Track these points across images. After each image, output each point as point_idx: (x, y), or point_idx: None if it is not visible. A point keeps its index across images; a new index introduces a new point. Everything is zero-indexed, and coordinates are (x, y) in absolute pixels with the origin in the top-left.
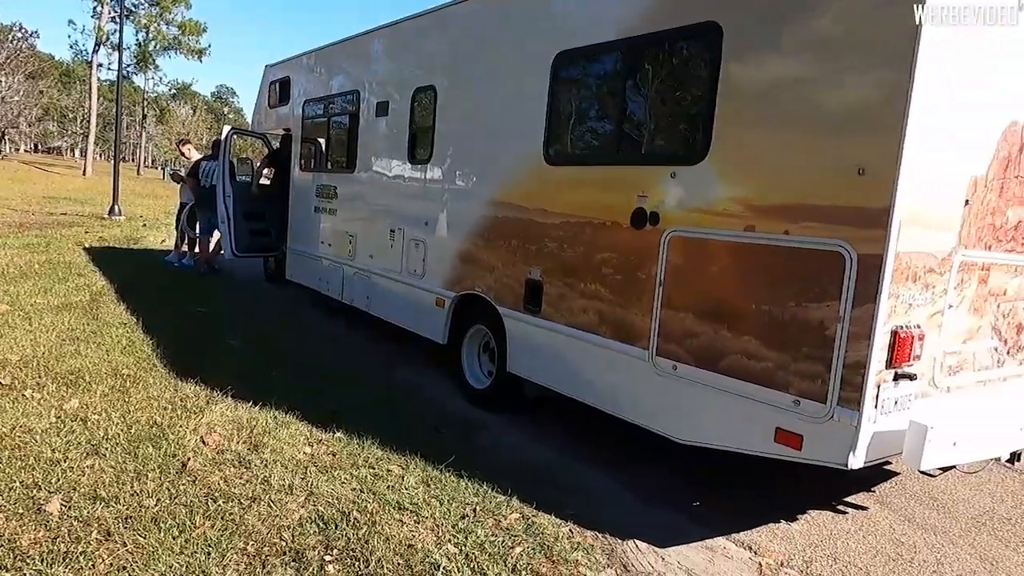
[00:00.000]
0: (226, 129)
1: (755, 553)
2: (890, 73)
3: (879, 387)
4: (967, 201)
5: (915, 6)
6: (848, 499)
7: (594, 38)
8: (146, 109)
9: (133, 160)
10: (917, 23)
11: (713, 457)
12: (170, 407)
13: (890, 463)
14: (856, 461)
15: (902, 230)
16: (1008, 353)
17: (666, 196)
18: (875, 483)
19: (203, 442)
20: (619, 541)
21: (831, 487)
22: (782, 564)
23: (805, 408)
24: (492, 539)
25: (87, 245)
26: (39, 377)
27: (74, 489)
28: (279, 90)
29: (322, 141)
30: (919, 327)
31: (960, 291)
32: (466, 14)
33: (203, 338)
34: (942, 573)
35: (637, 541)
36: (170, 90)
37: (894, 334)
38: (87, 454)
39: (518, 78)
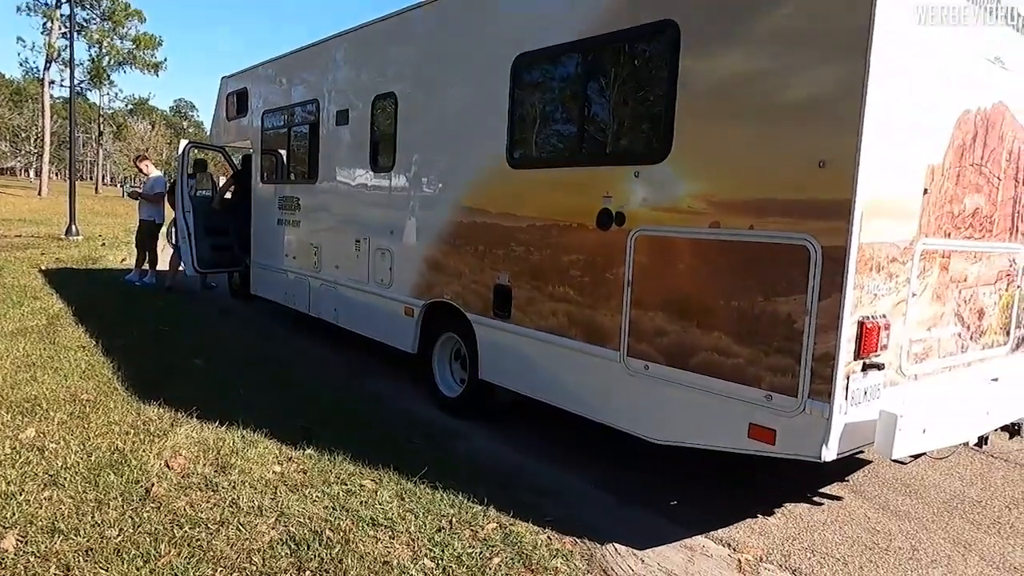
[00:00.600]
0: (183, 143)
1: (734, 550)
2: (846, 65)
3: (848, 378)
4: (926, 190)
5: None
6: (824, 490)
7: (553, 39)
8: (103, 126)
9: (91, 178)
10: (871, 14)
11: (689, 456)
12: (132, 431)
13: (862, 451)
14: (829, 453)
15: (864, 221)
16: (971, 338)
17: (631, 196)
18: (849, 472)
19: (167, 466)
20: (598, 545)
21: (807, 479)
22: (761, 559)
23: (777, 402)
24: (470, 551)
25: (43, 267)
26: None
27: (31, 523)
28: (237, 101)
29: (283, 152)
30: (885, 317)
31: (923, 279)
32: (424, 18)
33: (167, 358)
34: (918, 559)
35: (616, 544)
36: (127, 106)
37: (861, 325)
38: (44, 485)
39: (479, 82)
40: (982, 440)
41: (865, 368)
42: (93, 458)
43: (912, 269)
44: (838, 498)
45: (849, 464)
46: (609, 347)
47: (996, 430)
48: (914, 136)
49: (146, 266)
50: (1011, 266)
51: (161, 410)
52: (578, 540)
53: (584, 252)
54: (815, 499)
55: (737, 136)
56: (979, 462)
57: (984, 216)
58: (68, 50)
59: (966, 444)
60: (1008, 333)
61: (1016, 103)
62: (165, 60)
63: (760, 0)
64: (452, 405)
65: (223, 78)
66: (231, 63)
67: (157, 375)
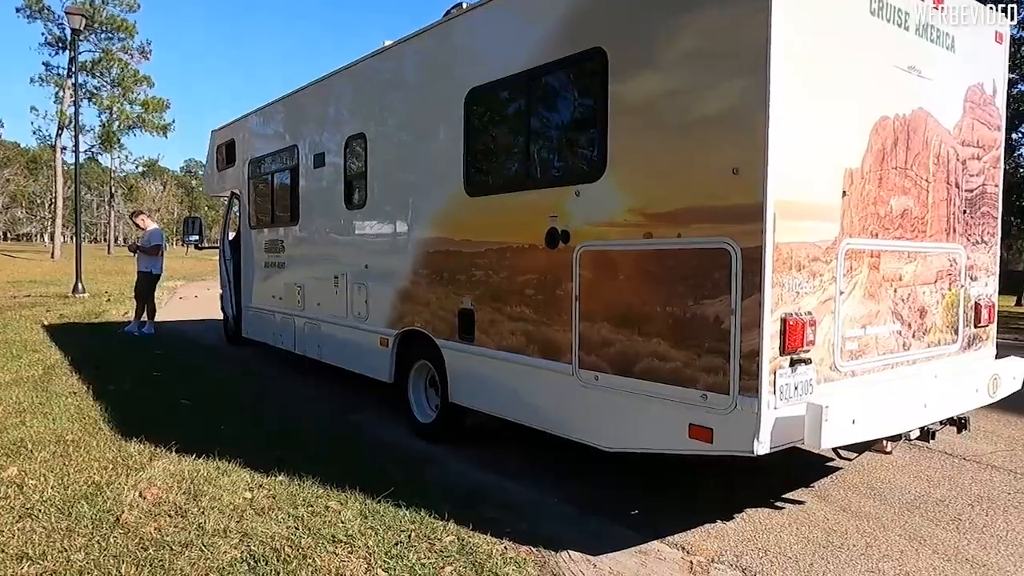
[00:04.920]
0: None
1: (687, 552)
2: (748, 77)
3: (775, 373)
4: (845, 192)
5: (765, 10)
6: (787, 495)
7: (499, 73)
8: (114, 188)
9: (104, 240)
10: (767, 29)
11: (657, 467)
12: (111, 466)
13: (833, 460)
14: (761, 447)
15: (777, 222)
16: (913, 336)
17: (574, 214)
18: (815, 479)
19: (141, 496)
20: (552, 553)
21: (769, 486)
22: (713, 560)
23: (712, 401)
24: (423, 562)
25: (46, 323)
26: None
27: (1, 551)
28: (225, 152)
29: (267, 197)
30: (810, 314)
31: (851, 278)
32: (388, 61)
33: (155, 400)
34: (869, 555)
35: (571, 552)
36: (137, 168)
37: (784, 321)
38: (19, 517)
39: (438, 117)
40: (925, 433)
41: (793, 364)
42: (69, 491)
43: (837, 268)
44: (800, 502)
45: (815, 470)
46: (563, 361)
47: (941, 425)
48: (824, 141)
49: (145, 317)
50: (952, 266)
51: (142, 446)
52: (533, 549)
53: (536, 271)
54: (777, 504)
55: (663, 151)
56: (949, 465)
57: (915, 217)
58: (74, 113)
59: (906, 437)
60: (956, 332)
61: (938, 110)
62: (173, 122)
63: (673, 24)
64: (427, 431)
65: (212, 131)
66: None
67: (144, 415)
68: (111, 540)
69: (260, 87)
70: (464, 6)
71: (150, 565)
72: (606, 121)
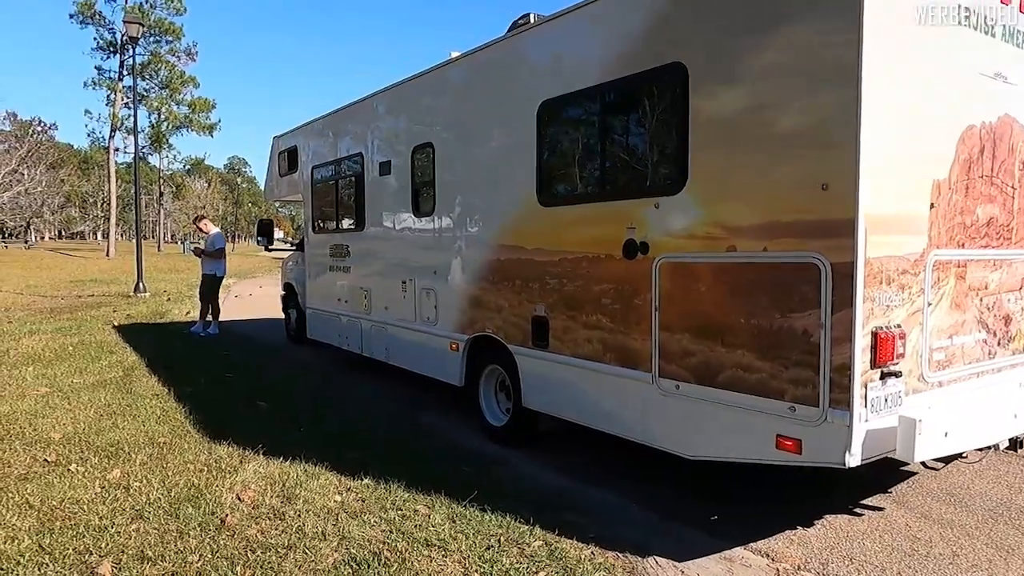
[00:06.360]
0: None
1: (772, 560)
2: (839, 91)
3: (867, 386)
4: (932, 204)
5: (856, 25)
6: (865, 501)
7: (573, 86)
8: (163, 187)
9: (153, 237)
10: (859, 40)
11: (730, 472)
12: (206, 469)
13: (908, 464)
14: (853, 460)
15: (869, 237)
16: (999, 344)
17: (653, 226)
18: (892, 484)
19: (239, 499)
20: (639, 559)
21: (848, 492)
22: (799, 568)
23: (800, 413)
24: (517, 567)
25: (116, 323)
26: (82, 451)
27: (123, 552)
28: (288, 159)
29: (332, 203)
30: (899, 327)
31: (938, 289)
32: (456, 73)
33: (233, 402)
34: (957, 564)
35: (657, 557)
36: (185, 167)
37: (875, 335)
38: (132, 519)
39: (508, 128)
40: (1015, 443)
41: (883, 376)
42: (172, 493)
43: (925, 280)
44: (879, 509)
45: (892, 475)
46: (641, 369)
47: None
48: (914, 154)
49: (209, 317)
50: None
51: (230, 448)
52: (620, 555)
53: (613, 281)
54: (856, 510)
55: (746, 165)
56: None
57: (1001, 225)
58: (131, 119)
59: (996, 447)
60: None
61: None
62: (219, 121)
63: (756, 38)
64: (499, 434)
65: (274, 137)
66: (282, 118)
67: (225, 417)
68: (220, 542)
69: (301, 85)
70: (532, 18)
71: (260, 567)
72: (686, 135)
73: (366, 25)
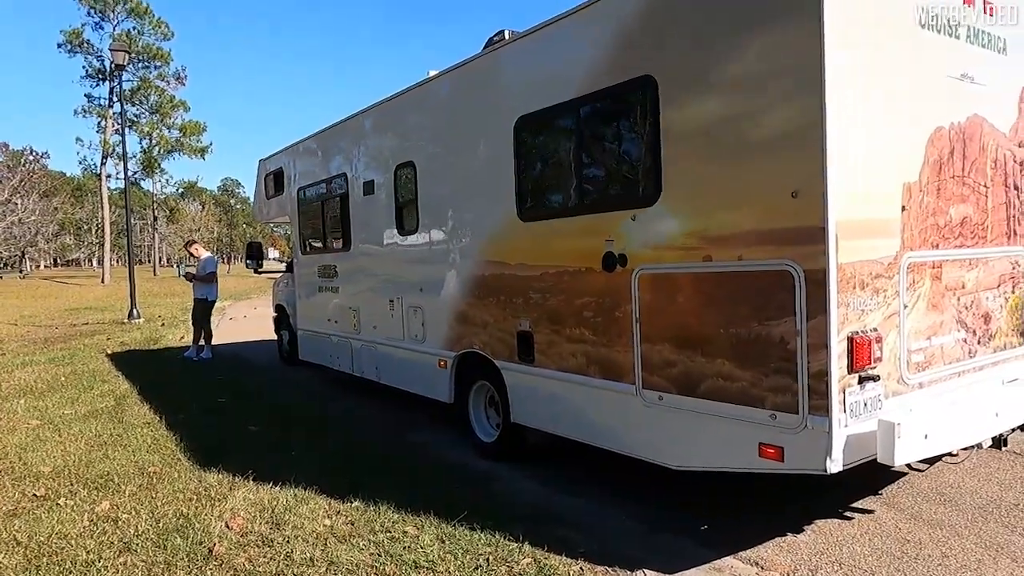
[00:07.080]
0: None
1: (762, 568)
2: (803, 98)
3: (845, 392)
4: (904, 207)
5: (817, 32)
6: (855, 504)
7: (548, 101)
8: (156, 211)
9: (148, 261)
10: (820, 47)
11: (719, 482)
12: (195, 497)
13: (915, 471)
14: (834, 466)
15: (840, 243)
16: (979, 343)
17: (630, 238)
18: (882, 485)
19: (228, 527)
20: (629, 572)
21: (836, 496)
22: (788, 575)
23: (781, 421)
24: None
25: (109, 352)
26: (71, 484)
27: None
28: (274, 181)
29: (318, 224)
30: (876, 330)
31: (913, 291)
32: (433, 91)
33: (225, 427)
34: (947, 566)
35: (646, 570)
36: (178, 190)
37: (851, 340)
38: (120, 552)
39: (486, 144)
40: (998, 442)
41: (861, 381)
42: (161, 524)
43: (900, 282)
44: (869, 511)
45: (882, 476)
46: (625, 381)
47: (1012, 431)
48: (882, 158)
49: (202, 342)
50: (1014, 268)
51: (220, 476)
52: (610, 569)
53: (594, 294)
54: (846, 514)
55: (718, 175)
56: (1020, 466)
57: (975, 224)
58: (121, 145)
59: (979, 446)
60: (1022, 335)
61: (993, 114)
62: (211, 144)
63: (722, 49)
64: (489, 450)
65: (260, 160)
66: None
67: (217, 443)
68: (207, 573)
69: (288, 95)
70: (507, 35)
71: None
72: (659, 146)
73: (357, 39)
